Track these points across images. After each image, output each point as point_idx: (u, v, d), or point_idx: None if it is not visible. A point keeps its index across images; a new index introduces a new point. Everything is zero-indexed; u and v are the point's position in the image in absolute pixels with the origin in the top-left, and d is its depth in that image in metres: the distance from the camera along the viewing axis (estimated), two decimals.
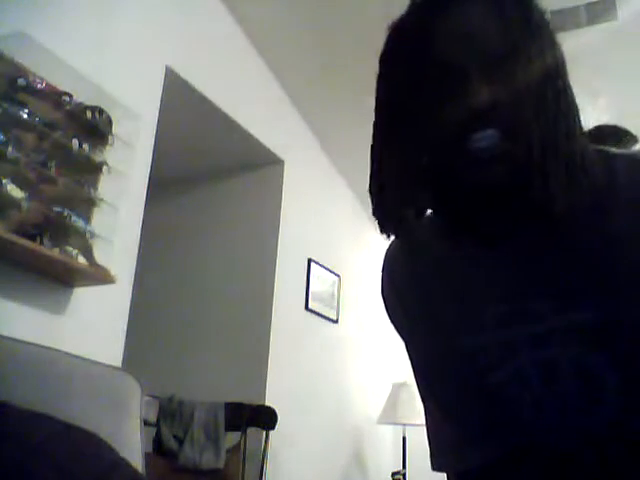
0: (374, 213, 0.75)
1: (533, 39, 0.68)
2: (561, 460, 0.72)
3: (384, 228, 0.74)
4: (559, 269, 0.71)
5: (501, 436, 0.76)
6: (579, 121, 0.71)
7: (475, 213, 0.72)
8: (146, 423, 1.89)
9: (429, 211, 0.78)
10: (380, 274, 0.89)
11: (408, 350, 0.87)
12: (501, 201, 0.69)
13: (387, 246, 0.89)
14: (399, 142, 0.73)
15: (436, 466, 0.82)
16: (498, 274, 0.75)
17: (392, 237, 0.77)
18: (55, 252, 1.85)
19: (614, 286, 0.69)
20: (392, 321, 0.89)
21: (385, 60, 0.76)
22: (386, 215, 0.74)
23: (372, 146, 0.76)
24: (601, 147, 0.75)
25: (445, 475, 0.85)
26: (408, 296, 0.84)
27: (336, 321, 3.78)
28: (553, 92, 0.68)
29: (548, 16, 0.71)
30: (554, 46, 0.70)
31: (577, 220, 0.69)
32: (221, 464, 2.14)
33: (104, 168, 2.07)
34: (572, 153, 0.68)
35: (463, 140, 0.66)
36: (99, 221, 2.05)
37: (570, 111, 0.70)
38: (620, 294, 0.68)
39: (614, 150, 0.75)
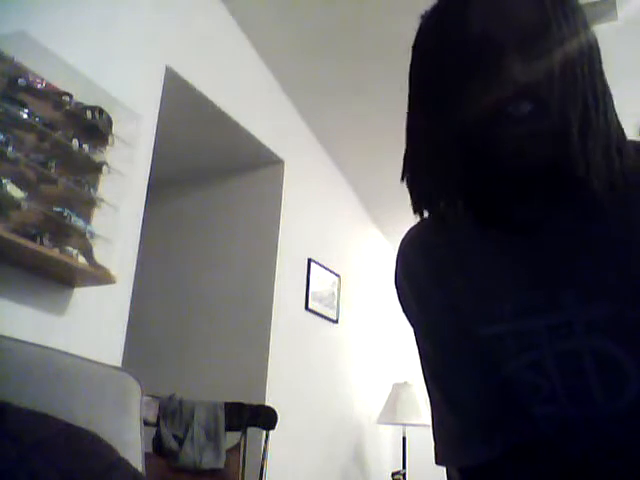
0: (411, 195, 0.74)
1: (568, 20, 0.68)
2: (571, 458, 0.71)
3: (418, 211, 0.75)
4: (585, 259, 0.71)
5: (508, 431, 0.75)
6: (613, 105, 0.71)
7: (507, 200, 0.72)
8: (146, 423, 1.89)
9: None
10: (395, 261, 0.87)
11: (417, 338, 0.86)
12: (535, 183, 0.69)
13: (405, 233, 0.88)
14: (434, 124, 0.72)
15: (439, 460, 0.81)
16: (522, 263, 0.74)
17: (419, 219, 0.77)
18: (55, 252, 1.85)
19: (638, 277, 0.68)
20: (403, 308, 0.87)
21: (419, 44, 0.75)
22: (420, 199, 0.74)
23: (407, 129, 0.76)
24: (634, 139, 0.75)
25: (445, 475, 0.83)
26: (423, 282, 0.83)
27: (336, 321, 3.78)
28: (589, 72, 0.68)
29: (583, 1, 0.72)
30: (588, 29, 0.71)
31: (605, 210, 0.69)
32: (221, 464, 2.14)
33: (104, 168, 2.07)
34: (609, 132, 0.68)
35: (498, 115, 0.66)
36: (99, 221, 2.05)
37: (605, 92, 0.70)
38: None
39: None
